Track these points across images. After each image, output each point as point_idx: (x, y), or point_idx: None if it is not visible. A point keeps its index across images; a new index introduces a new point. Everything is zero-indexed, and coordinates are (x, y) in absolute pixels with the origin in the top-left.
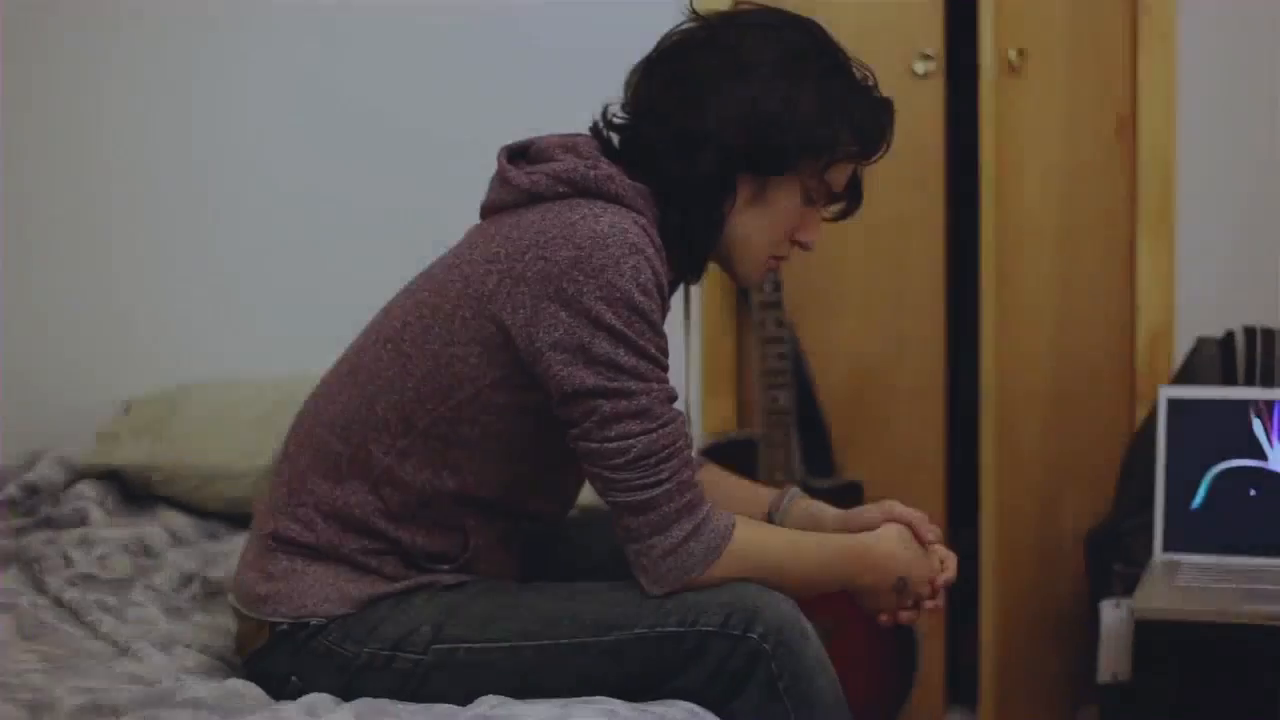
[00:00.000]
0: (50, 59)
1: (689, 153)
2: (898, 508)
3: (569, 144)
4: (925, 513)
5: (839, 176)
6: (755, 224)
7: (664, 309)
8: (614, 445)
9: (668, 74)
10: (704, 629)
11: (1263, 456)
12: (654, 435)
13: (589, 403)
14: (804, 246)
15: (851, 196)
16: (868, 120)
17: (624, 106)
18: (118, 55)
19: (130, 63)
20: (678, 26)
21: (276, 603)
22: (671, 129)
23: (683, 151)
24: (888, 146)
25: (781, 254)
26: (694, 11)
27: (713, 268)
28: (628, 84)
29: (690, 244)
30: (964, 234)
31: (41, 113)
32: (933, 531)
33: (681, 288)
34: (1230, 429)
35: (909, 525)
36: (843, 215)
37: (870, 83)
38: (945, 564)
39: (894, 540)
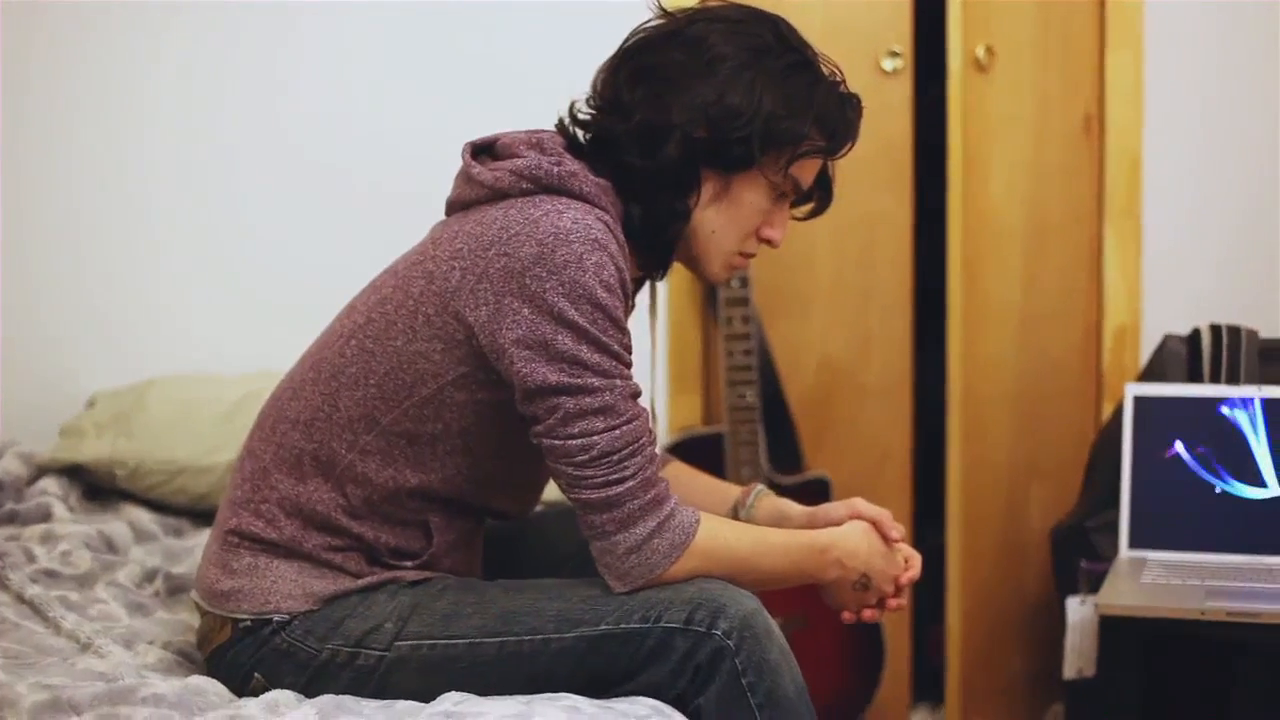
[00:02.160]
0: (28, 59)
1: (652, 145)
2: (863, 505)
3: (533, 140)
4: (891, 510)
5: (806, 173)
6: (721, 220)
7: (627, 305)
8: (577, 442)
9: (634, 69)
10: (668, 625)
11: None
12: (617, 432)
13: (551, 399)
14: (771, 244)
15: (821, 194)
16: (833, 115)
17: (589, 101)
18: (98, 56)
19: (106, 61)
20: (645, 23)
21: (239, 599)
22: (636, 122)
23: (646, 144)
24: (853, 142)
25: (749, 251)
26: (661, 8)
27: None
28: (595, 80)
29: (654, 238)
30: (931, 231)
31: (10, 109)
32: (897, 529)
33: (648, 284)
34: (1196, 426)
35: (874, 523)
36: (813, 214)
37: (837, 79)
38: (909, 562)
39: (858, 537)
